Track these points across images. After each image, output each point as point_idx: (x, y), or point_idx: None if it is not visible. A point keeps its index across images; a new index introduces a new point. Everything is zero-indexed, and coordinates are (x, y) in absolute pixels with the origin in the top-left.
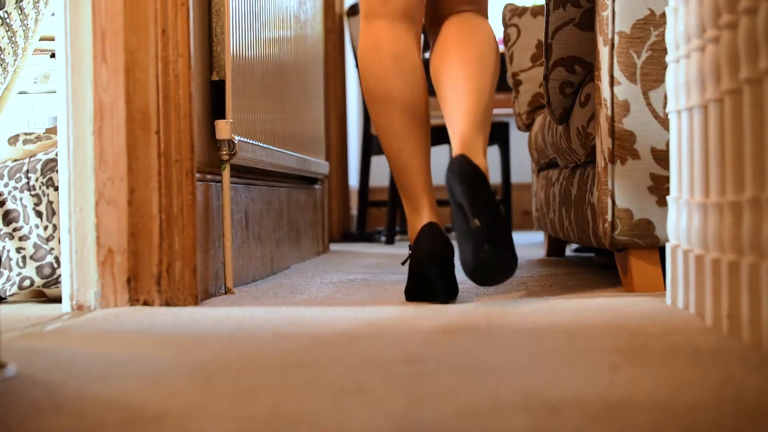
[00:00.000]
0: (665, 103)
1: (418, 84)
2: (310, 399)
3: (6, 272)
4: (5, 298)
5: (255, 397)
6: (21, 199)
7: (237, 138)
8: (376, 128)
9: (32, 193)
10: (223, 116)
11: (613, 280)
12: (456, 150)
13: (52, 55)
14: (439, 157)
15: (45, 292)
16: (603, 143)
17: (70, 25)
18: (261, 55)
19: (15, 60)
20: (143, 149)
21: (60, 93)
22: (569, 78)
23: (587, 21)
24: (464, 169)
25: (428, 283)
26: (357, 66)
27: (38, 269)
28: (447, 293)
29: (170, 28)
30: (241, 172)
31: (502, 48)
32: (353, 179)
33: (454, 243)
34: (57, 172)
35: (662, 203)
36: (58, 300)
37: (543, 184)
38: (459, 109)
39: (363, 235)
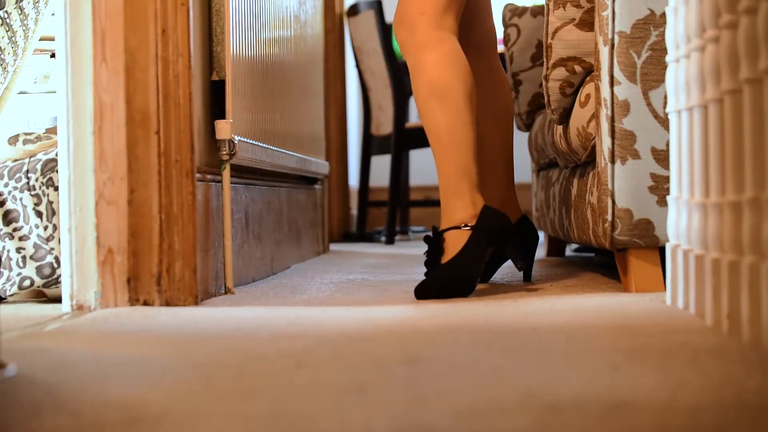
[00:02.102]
0: (665, 103)
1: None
2: (310, 399)
3: (6, 272)
4: (5, 298)
5: (255, 397)
6: (21, 199)
7: (237, 138)
8: (434, 109)
9: (32, 193)
10: (223, 116)
11: (613, 280)
12: (518, 213)
13: (52, 55)
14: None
15: (45, 292)
16: (603, 143)
17: (70, 25)
18: (261, 55)
19: (15, 60)
20: (143, 149)
21: (60, 93)
22: (569, 78)
23: (587, 21)
24: (534, 231)
25: (492, 258)
26: (357, 66)
27: (38, 269)
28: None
29: (170, 28)
30: (241, 172)
31: (502, 48)
32: (353, 179)
33: None
34: (57, 172)
35: (662, 203)
36: (58, 300)
37: (543, 184)
38: (506, 174)
39: (363, 235)
